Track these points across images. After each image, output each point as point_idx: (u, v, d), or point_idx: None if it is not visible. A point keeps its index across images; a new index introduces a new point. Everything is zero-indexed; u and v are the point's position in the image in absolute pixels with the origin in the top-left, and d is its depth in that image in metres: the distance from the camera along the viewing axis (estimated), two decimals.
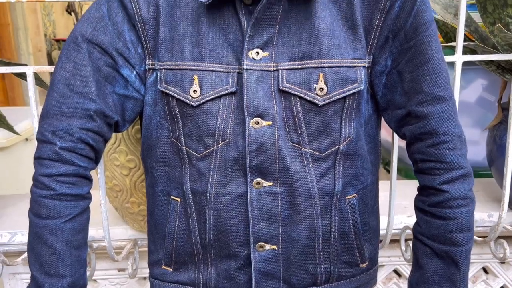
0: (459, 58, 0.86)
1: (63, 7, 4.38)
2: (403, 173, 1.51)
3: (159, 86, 0.74)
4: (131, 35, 0.75)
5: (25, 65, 1.04)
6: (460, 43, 0.84)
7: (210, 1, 0.68)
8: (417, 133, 0.70)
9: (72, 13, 4.20)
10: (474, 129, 1.47)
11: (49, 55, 4.10)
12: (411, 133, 0.71)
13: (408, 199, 1.20)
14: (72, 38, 0.73)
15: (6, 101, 3.46)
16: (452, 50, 0.95)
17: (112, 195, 1.06)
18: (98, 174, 0.90)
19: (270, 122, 0.71)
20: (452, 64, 0.89)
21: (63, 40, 4.18)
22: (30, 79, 0.84)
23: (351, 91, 0.70)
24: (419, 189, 0.75)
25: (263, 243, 0.73)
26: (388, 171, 1.56)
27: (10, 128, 1.25)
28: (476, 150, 1.43)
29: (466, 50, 1.03)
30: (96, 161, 0.77)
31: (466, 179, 0.69)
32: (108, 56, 0.74)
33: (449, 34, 1.08)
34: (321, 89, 0.69)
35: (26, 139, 1.99)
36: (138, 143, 0.97)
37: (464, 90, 1.39)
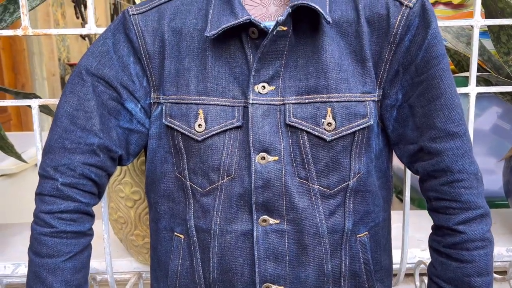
0: (472, 90, 0.84)
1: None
2: (417, 203, 1.46)
3: (163, 120, 0.73)
4: (136, 69, 0.74)
5: (33, 95, 1.04)
6: (473, 74, 0.82)
7: (215, 35, 0.67)
8: (430, 170, 0.67)
9: (86, 38, 4.29)
10: (489, 158, 1.43)
11: (62, 79, 4.17)
12: (424, 169, 0.69)
13: (422, 231, 1.16)
14: (77, 72, 0.72)
15: (20, 125, 3.51)
16: (465, 80, 0.93)
17: (117, 226, 1.04)
18: (101, 207, 0.88)
19: (276, 158, 0.68)
20: (465, 95, 0.86)
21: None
22: (35, 111, 0.83)
23: (361, 126, 0.68)
24: (433, 228, 0.71)
25: (269, 284, 0.70)
26: (401, 200, 1.52)
27: (18, 157, 1.25)
28: (491, 179, 1.38)
29: (480, 80, 1.00)
30: (99, 195, 0.75)
31: (484, 219, 0.65)
32: (113, 90, 0.73)
33: (461, 62, 1.06)
34: (329, 124, 0.67)
35: (36, 165, 1.99)
36: (143, 175, 0.95)
37: (478, 118, 1.36)
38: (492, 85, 1.00)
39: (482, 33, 1.13)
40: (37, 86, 3.70)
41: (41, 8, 3.74)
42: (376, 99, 0.69)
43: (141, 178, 0.95)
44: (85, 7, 4.41)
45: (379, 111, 0.71)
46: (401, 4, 0.66)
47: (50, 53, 3.89)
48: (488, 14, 0.89)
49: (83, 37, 4.40)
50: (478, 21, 0.80)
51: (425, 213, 1.26)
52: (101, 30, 0.84)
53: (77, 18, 4.41)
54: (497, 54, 0.96)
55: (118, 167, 0.96)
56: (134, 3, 0.89)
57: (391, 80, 0.69)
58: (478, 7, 0.80)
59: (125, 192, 0.97)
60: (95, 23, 0.86)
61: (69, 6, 4.30)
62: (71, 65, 4.28)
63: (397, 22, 0.66)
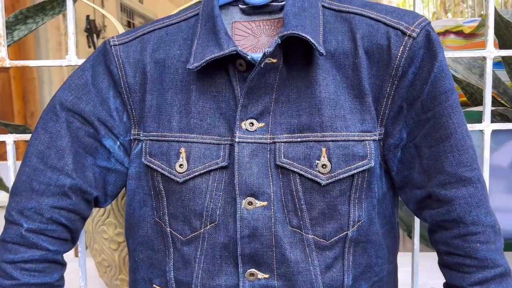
0: (487, 126, 0.76)
1: None
2: (430, 243, 1.36)
3: (143, 159, 0.66)
4: (116, 103, 0.68)
5: (23, 127, 0.99)
6: (487, 110, 0.74)
7: (199, 67, 0.61)
8: (440, 220, 0.59)
9: None
10: (507, 195, 1.33)
11: None
12: (433, 219, 0.60)
13: (436, 277, 1.06)
14: (50, 107, 0.67)
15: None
16: (479, 114, 0.85)
17: (101, 270, 0.96)
18: (79, 252, 0.81)
19: (265, 203, 0.61)
20: (480, 131, 0.78)
21: None
22: (10, 147, 0.78)
23: (360, 169, 0.60)
24: (445, 286, 0.62)
25: None
26: (411, 237, 1.42)
27: (7, 190, 1.20)
28: (510, 219, 1.28)
29: (495, 114, 0.92)
30: (73, 241, 0.68)
31: (504, 279, 0.56)
32: (90, 126, 0.67)
33: (474, 95, 0.99)
34: (324, 166, 0.59)
35: None
36: None
37: (494, 153, 1.27)
38: (509, 119, 0.92)
39: (496, 64, 1.05)
40: None
41: (53, 37, 3.79)
42: (377, 138, 0.62)
43: None
44: (98, 36, 4.47)
45: (382, 151, 0.63)
46: (404, 33, 0.59)
47: (60, 81, 3.91)
48: (502, 45, 0.83)
49: None
50: (492, 52, 0.73)
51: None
52: (82, 62, 0.79)
53: (89, 47, 4.47)
54: None
55: None
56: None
57: (394, 117, 0.62)
58: (491, 37, 0.73)
59: (108, 234, 0.90)
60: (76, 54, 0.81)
61: (81, 35, 4.36)
62: None
63: (399, 54, 0.59)
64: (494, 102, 1.01)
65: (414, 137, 0.62)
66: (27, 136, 0.81)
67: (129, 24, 5.56)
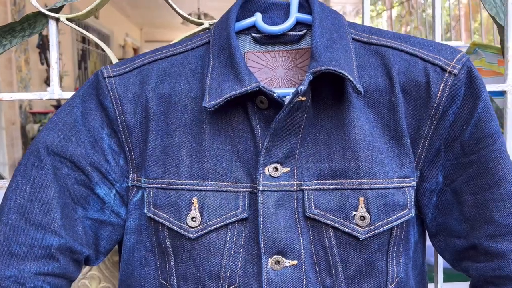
0: None
1: (42, 79, 4.27)
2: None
3: (145, 210, 0.57)
4: (111, 144, 0.58)
5: None
6: (510, 146, 0.71)
7: (217, 105, 0.52)
8: (489, 276, 0.53)
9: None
10: None
11: (23, 128, 3.91)
12: (479, 273, 0.55)
13: None
14: (33, 151, 0.56)
15: None
16: None
17: None
18: None
19: (295, 262, 0.53)
20: None
21: (40, 113, 4.01)
22: None
23: (400, 220, 0.54)
24: None
25: None
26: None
27: None
28: None
29: None
30: None
31: None
32: (80, 172, 0.57)
33: None
34: (362, 218, 0.53)
35: None
36: (115, 268, 0.77)
37: None
38: None
39: (493, 93, 1.04)
40: None
41: (2, 54, 3.54)
42: (415, 184, 0.56)
43: (112, 272, 0.77)
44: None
45: (415, 196, 0.57)
46: (443, 70, 0.54)
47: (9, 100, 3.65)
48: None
49: (48, 84, 4.19)
50: None
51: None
52: (67, 95, 0.69)
53: (42, 64, 4.22)
54: None
55: None
56: (103, 50, 0.74)
57: (431, 160, 0.56)
58: (510, 71, 0.71)
59: None
60: (61, 71, 0.70)
61: (33, 52, 4.11)
62: (34, 113, 4.03)
63: (440, 92, 0.54)
64: None
65: (452, 181, 0.56)
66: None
67: (84, 41, 5.34)
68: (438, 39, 0.71)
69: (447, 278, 1.28)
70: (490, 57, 1.21)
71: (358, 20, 4.68)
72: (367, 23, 0.74)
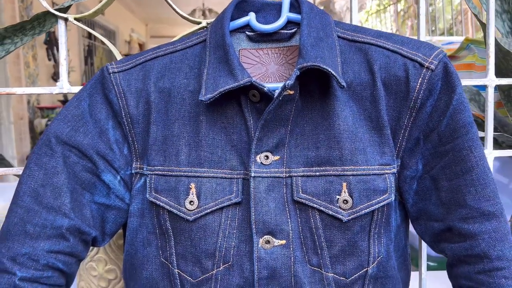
0: (489, 154, 0.76)
1: (49, 75, 4.34)
2: (414, 262, 1.36)
3: (147, 195, 0.62)
4: (116, 134, 0.63)
5: None
6: (490, 137, 0.75)
7: (212, 99, 0.57)
8: (462, 255, 0.58)
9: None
10: None
11: (31, 123, 3.98)
12: (454, 253, 0.59)
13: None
14: (44, 141, 0.61)
15: None
16: None
17: None
18: None
19: (284, 241, 0.58)
20: None
21: (47, 108, 4.08)
22: None
23: (381, 204, 0.58)
24: None
25: None
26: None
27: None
28: None
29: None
30: (67, 286, 0.62)
31: None
32: (88, 160, 0.62)
33: None
34: (345, 202, 0.57)
35: None
36: (120, 250, 0.82)
37: None
38: (498, 143, 0.94)
39: (483, 87, 1.08)
40: (3, 131, 3.51)
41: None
42: (395, 171, 0.61)
43: (117, 255, 0.82)
44: (58, 48, 4.29)
45: (397, 183, 0.62)
46: (421, 65, 0.59)
47: (19, 95, 3.72)
48: (497, 72, 0.84)
49: (54, 79, 4.26)
50: (493, 80, 0.74)
51: (442, 274, 1.14)
52: (75, 89, 0.74)
53: (49, 60, 4.29)
54: (507, 113, 0.91)
55: None
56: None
57: (410, 149, 0.61)
58: (492, 66, 0.75)
59: (98, 270, 0.83)
60: (68, 67, 0.75)
61: (40, 48, 4.18)
62: (41, 108, 4.10)
63: (418, 86, 0.58)
64: (481, 125, 1.03)
65: (431, 169, 0.61)
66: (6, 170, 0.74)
67: (90, 37, 5.40)
68: (422, 36, 0.75)
69: (440, 267, 1.32)
70: (482, 53, 1.25)
71: (361, 16, 4.70)
72: (355, 20, 0.78)
